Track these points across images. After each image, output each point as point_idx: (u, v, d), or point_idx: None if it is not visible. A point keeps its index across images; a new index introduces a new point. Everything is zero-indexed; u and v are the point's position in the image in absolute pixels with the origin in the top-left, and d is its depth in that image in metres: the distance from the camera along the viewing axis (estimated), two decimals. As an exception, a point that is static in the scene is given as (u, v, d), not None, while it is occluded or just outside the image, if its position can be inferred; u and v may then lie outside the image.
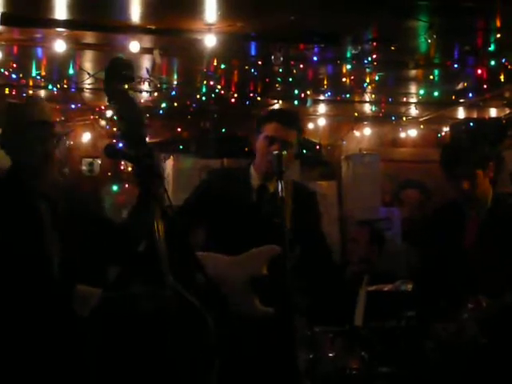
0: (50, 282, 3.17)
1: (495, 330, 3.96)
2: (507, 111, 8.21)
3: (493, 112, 8.45)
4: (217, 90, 7.10)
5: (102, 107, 7.72)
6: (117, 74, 3.30)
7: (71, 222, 3.35)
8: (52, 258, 3.22)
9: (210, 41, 5.57)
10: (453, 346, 4.03)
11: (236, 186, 4.35)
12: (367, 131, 9.00)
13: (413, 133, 9.03)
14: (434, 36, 5.45)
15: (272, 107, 7.68)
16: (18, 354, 3.11)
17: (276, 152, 4.01)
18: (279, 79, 6.82)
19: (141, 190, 3.31)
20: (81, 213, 3.50)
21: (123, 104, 3.27)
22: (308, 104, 7.54)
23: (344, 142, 8.98)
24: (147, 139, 3.34)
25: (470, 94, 7.47)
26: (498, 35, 5.59)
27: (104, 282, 3.35)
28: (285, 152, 4.02)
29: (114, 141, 6.05)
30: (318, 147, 8.71)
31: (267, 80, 6.89)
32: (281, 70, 6.43)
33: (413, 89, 7.64)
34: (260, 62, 6.27)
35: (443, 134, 8.93)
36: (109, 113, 7.76)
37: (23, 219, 3.21)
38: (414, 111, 8.41)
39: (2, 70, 6.43)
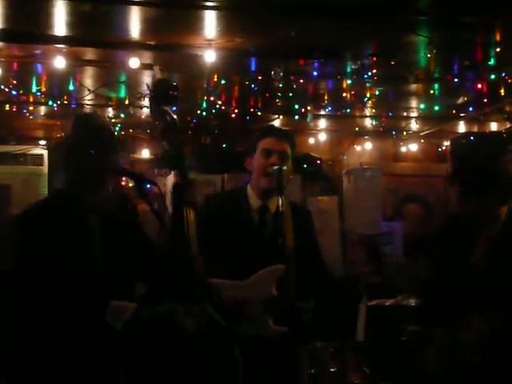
0: (88, 294, 3.20)
1: (495, 350, 3.94)
2: (508, 125, 8.21)
3: (493, 126, 8.45)
4: (217, 106, 7.11)
5: (103, 123, 7.71)
6: (163, 95, 3.34)
7: (119, 237, 3.43)
8: (95, 272, 3.27)
9: (209, 56, 5.58)
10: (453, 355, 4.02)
11: (236, 209, 4.33)
12: (368, 146, 9.02)
13: (413, 147, 9.04)
14: (434, 51, 5.46)
15: (272, 122, 7.69)
16: (52, 363, 3.17)
17: (276, 167, 4.00)
18: (279, 94, 6.82)
19: (172, 216, 3.31)
20: (129, 228, 3.56)
21: (167, 123, 3.30)
22: (308, 119, 7.54)
23: (345, 157, 9.00)
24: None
25: (471, 108, 7.48)
26: (498, 49, 5.59)
27: (130, 296, 3.38)
28: (285, 167, 4.02)
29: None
30: (318, 162, 8.71)
31: (267, 95, 6.89)
32: (281, 85, 6.43)
33: (413, 103, 7.66)
34: (260, 78, 6.29)
35: (444, 148, 8.94)
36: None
37: (73, 233, 3.29)
38: (414, 126, 8.42)
39: (2, 87, 6.44)
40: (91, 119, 3.63)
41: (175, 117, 3.34)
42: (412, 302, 5.16)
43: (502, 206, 4.14)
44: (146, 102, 6.85)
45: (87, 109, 7.39)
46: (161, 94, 3.37)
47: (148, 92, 3.40)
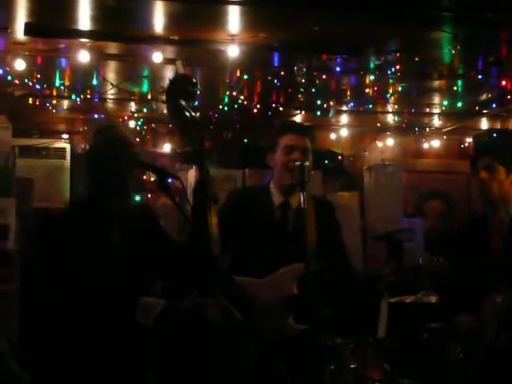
0: (116, 291, 3.22)
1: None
2: (531, 122, 8.18)
3: (516, 123, 8.41)
4: (239, 101, 7.11)
5: (125, 118, 7.74)
6: (181, 90, 3.32)
7: (142, 238, 3.49)
8: (120, 273, 3.29)
9: (232, 51, 5.58)
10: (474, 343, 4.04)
11: (258, 206, 4.34)
12: (390, 142, 8.98)
13: (436, 143, 9.00)
14: (458, 47, 5.43)
15: (293, 118, 7.69)
16: (83, 360, 3.20)
17: (298, 163, 4.00)
18: (302, 90, 6.81)
19: (196, 213, 3.31)
20: (150, 231, 3.59)
21: (185, 119, 3.28)
22: (330, 114, 7.53)
23: (366, 153, 8.98)
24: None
25: (494, 105, 7.44)
26: (523, 46, 5.57)
27: (150, 294, 3.40)
28: (307, 163, 4.02)
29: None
30: (340, 158, 8.71)
31: (290, 90, 6.89)
32: (303, 81, 6.42)
33: (436, 100, 7.62)
34: (283, 73, 6.28)
35: (466, 144, 8.90)
36: (132, 123, 7.80)
37: (97, 238, 3.35)
38: (437, 122, 8.38)
39: (26, 81, 6.47)
40: (108, 130, 3.65)
41: (193, 113, 3.32)
42: (433, 299, 5.15)
43: None
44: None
45: (109, 104, 7.43)
46: (179, 89, 3.34)
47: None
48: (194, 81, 3.42)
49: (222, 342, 3.00)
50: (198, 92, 3.48)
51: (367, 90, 6.77)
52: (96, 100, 7.11)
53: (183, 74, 3.58)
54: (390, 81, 6.58)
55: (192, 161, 3.29)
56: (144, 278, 3.38)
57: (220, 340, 3.01)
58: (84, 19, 5.19)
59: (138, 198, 8.05)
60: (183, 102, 3.28)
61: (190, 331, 3.03)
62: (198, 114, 7.14)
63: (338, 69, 6.19)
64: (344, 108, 7.78)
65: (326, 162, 8.15)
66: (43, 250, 3.35)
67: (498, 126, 8.50)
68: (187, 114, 3.26)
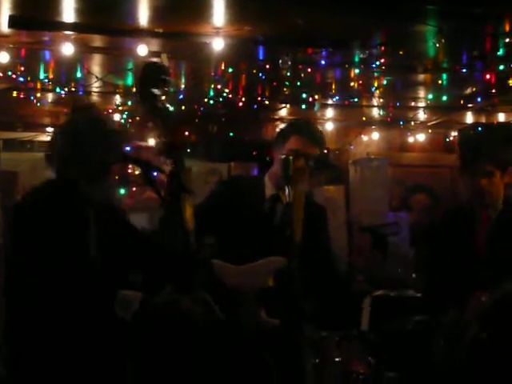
0: (93, 285, 3.19)
1: (495, 321, 3.97)
2: (516, 116, 8.20)
3: (501, 117, 8.43)
4: (224, 94, 7.10)
5: (110, 110, 7.72)
6: (154, 79, 3.26)
7: (115, 230, 3.40)
8: (95, 265, 3.24)
9: (217, 44, 5.57)
10: (457, 341, 4.05)
11: (249, 196, 4.33)
12: (375, 136, 8.99)
13: (421, 137, 9.01)
14: (443, 40, 5.44)
15: (279, 112, 7.68)
16: (60, 355, 3.15)
17: (284, 156, 3.99)
18: (287, 83, 6.81)
19: (168, 202, 3.28)
20: (123, 221, 3.55)
21: (157, 108, 3.25)
22: (316, 108, 7.53)
23: (352, 147, 8.98)
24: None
25: (479, 99, 7.46)
26: (507, 40, 5.57)
27: (126, 287, 3.37)
28: (291, 157, 4.00)
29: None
30: (325, 151, 8.69)
31: (275, 84, 6.88)
32: (289, 74, 6.41)
33: (421, 93, 7.63)
34: (268, 66, 6.27)
35: (451, 138, 8.92)
36: (116, 116, 7.77)
37: (72, 225, 3.23)
38: (422, 116, 8.39)
39: (10, 73, 6.43)
40: (90, 110, 3.59)
41: (166, 103, 3.27)
42: (417, 292, 5.17)
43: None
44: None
45: (94, 97, 7.40)
46: (151, 77, 3.26)
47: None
48: (165, 67, 3.37)
49: (199, 335, 3.00)
50: (171, 80, 3.40)
51: (352, 84, 6.77)
52: (81, 93, 7.08)
53: (154, 62, 3.52)
54: (375, 74, 6.59)
55: (166, 153, 3.22)
56: (121, 270, 3.33)
57: (196, 334, 3.00)
58: (68, 11, 5.16)
59: (122, 190, 8.07)
60: (156, 91, 3.23)
61: (167, 326, 3.03)
62: (182, 107, 7.19)
63: (323, 62, 6.19)
64: (329, 102, 7.78)
65: (312, 155, 8.15)
66: (15, 235, 3.28)
67: (483, 120, 8.52)
68: (159, 103, 3.22)
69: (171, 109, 3.31)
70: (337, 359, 4.91)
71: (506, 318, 4.00)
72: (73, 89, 6.95)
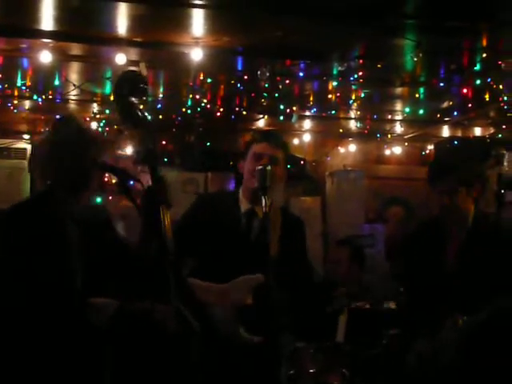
0: (67, 294, 3.17)
1: (471, 349, 3.95)
2: (492, 130, 8.25)
3: (477, 131, 8.49)
4: (202, 104, 7.10)
5: (87, 118, 7.69)
6: (131, 88, 3.23)
7: (95, 240, 3.37)
8: (74, 276, 3.22)
9: (196, 54, 5.57)
10: (432, 364, 4.03)
11: (224, 211, 4.31)
12: (352, 148, 9.02)
13: (397, 150, 9.06)
14: (421, 54, 5.48)
15: (257, 123, 7.69)
16: (35, 363, 3.12)
17: (260, 167, 3.98)
18: (265, 94, 6.81)
19: (147, 215, 3.26)
20: (103, 233, 3.53)
21: (135, 118, 3.24)
22: (293, 119, 7.54)
23: (328, 158, 9.01)
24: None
25: (455, 113, 7.51)
26: (484, 55, 5.61)
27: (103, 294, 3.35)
28: (269, 167, 3.99)
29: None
30: (302, 162, 8.72)
31: (253, 95, 6.88)
32: (267, 85, 6.43)
33: (398, 106, 7.67)
34: (246, 77, 6.28)
35: (427, 151, 8.98)
36: (94, 124, 7.74)
37: (51, 238, 3.22)
38: (398, 129, 8.44)
39: (-13, 80, 6.41)
40: (71, 121, 3.57)
41: (144, 112, 3.26)
42: (392, 305, 5.18)
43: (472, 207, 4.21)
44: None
45: (72, 105, 7.38)
46: (128, 86, 3.20)
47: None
48: (143, 76, 3.35)
49: (170, 345, 2.99)
50: (148, 89, 3.37)
51: (330, 96, 6.79)
52: (58, 101, 7.06)
53: (132, 70, 3.50)
54: (353, 87, 6.61)
55: (144, 161, 3.19)
56: (97, 278, 3.32)
57: (168, 344, 2.99)
58: (47, 19, 5.15)
59: (99, 199, 8.02)
60: (133, 99, 3.22)
61: (139, 335, 3.02)
62: (160, 116, 7.18)
63: (301, 74, 6.20)
64: (307, 113, 7.80)
65: (289, 166, 8.16)
66: None
67: (460, 133, 8.58)
68: (138, 112, 3.22)
69: (149, 118, 3.28)
70: (311, 370, 4.90)
71: (489, 345, 3.97)
72: (50, 96, 6.92)
